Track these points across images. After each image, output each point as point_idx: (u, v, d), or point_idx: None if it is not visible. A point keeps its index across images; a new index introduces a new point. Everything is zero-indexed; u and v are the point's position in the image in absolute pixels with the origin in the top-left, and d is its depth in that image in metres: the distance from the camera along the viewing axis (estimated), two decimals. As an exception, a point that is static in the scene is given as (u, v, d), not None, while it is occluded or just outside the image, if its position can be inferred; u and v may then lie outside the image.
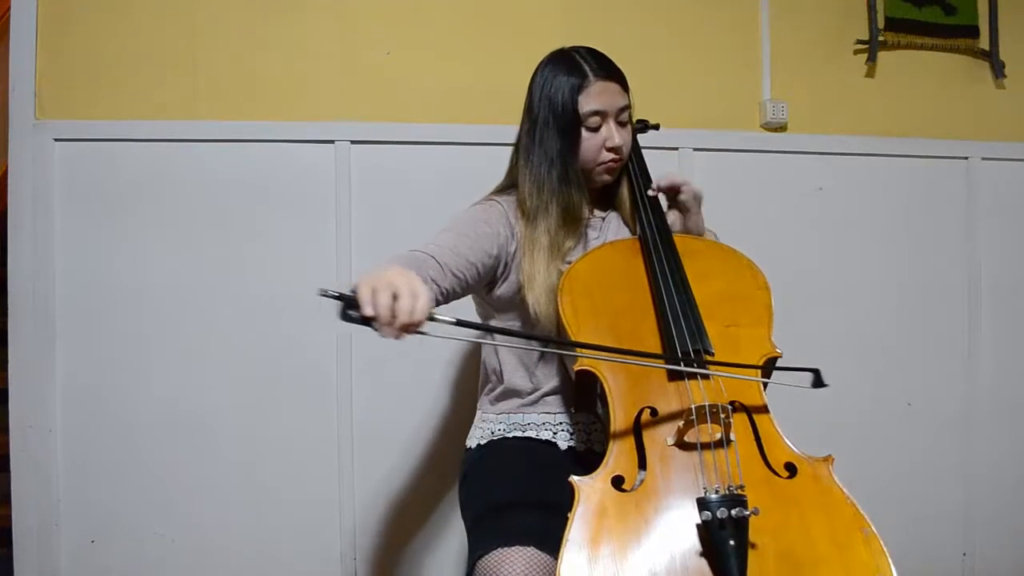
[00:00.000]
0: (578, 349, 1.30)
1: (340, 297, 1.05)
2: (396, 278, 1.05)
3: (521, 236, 1.47)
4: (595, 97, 1.45)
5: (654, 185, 1.52)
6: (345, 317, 1.05)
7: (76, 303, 1.95)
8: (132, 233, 1.98)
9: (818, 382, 1.24)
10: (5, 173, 2.01)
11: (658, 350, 1.30)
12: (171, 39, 2.01)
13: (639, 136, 1.67)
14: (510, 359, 1.52)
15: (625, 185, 1.57)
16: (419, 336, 1.09)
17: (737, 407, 1.24)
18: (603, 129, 1.47)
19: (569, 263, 1.44)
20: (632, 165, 1.57)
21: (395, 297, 1.04)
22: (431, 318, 1.05)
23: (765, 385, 1.33)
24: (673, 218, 1.54)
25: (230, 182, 2.01)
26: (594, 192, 1.56)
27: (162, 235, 1.99)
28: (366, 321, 1.04)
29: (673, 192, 1.53)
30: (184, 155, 2.00)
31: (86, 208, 1.96)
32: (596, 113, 1.45)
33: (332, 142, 2.04)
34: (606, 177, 1.52)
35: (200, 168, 2.00)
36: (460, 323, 1.07)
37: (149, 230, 1.98)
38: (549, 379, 1.50)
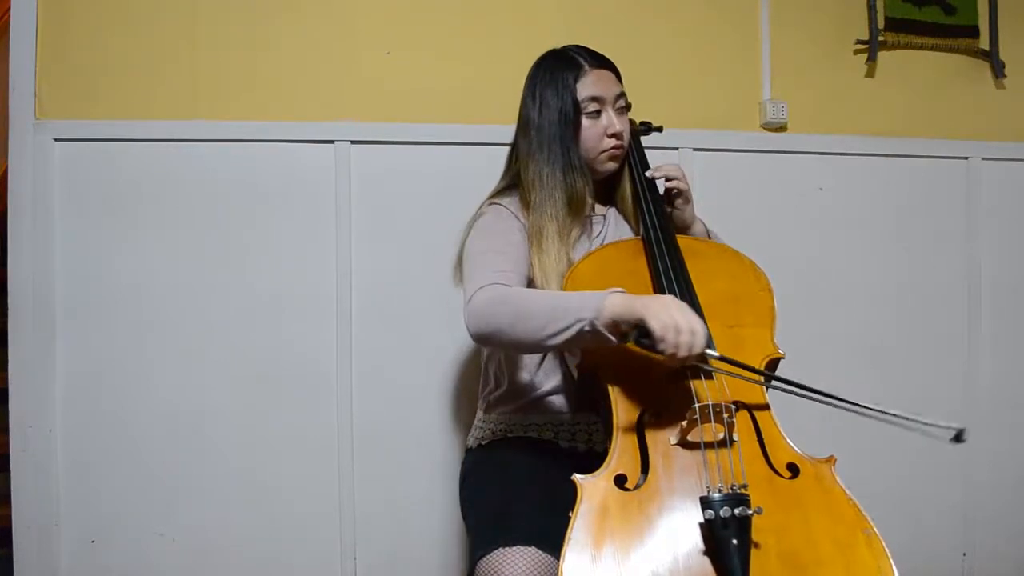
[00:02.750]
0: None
1: (636, 327, 1.17)
2: (679, 315, 1.15)
3: (529, 229, 1.48)
4: (592, 85, 1.48)
5: (651, 172, 1.57)
6: (639, 344, 1.17)
7: (76, 303, 1.95)
8: (132, 233, 1.97)
9: (958, 438, 1.22)
10: (5, 173, 2.01)
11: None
12: (171, 39, 2.00)
13: (643, 138, 1.67)
14: (512, 359, 1.52)
15: (627, 184, 1.58)
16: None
17: (740, 407, 1.25)
18: (603, 116, 1.49)
19: (572, 263, 1.44)
20: (635, 165, 1.57)
21: (678, 332, 1.14)
22: (704, 353, 1.17)
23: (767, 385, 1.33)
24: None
25: (230, 182, 2.01)
26: (596, 186, 1.56)
27: (162, 235, 1.98)
28: (653, 349, 1.16)
29: (667, 183, 1.59)
30: (184, 155, 1.99)
31: (86, 208, 1.96)
32: (594, 99, 1.48)
33: (332, 142, 2.03)
34: (611, 164, 1.53)
35: (200, 168, 2.00)
36: (723, 359, 1.20)
37: (149, 230, 1.98)
38: (551, 379, 1.50)
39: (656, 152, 1.82)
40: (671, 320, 1.13)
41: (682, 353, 1.14)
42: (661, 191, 1.58)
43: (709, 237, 1.63)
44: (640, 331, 1.16)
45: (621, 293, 1.22)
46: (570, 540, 1.09)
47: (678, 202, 1.58)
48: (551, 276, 1.42)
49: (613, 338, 1.20)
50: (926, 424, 1.18)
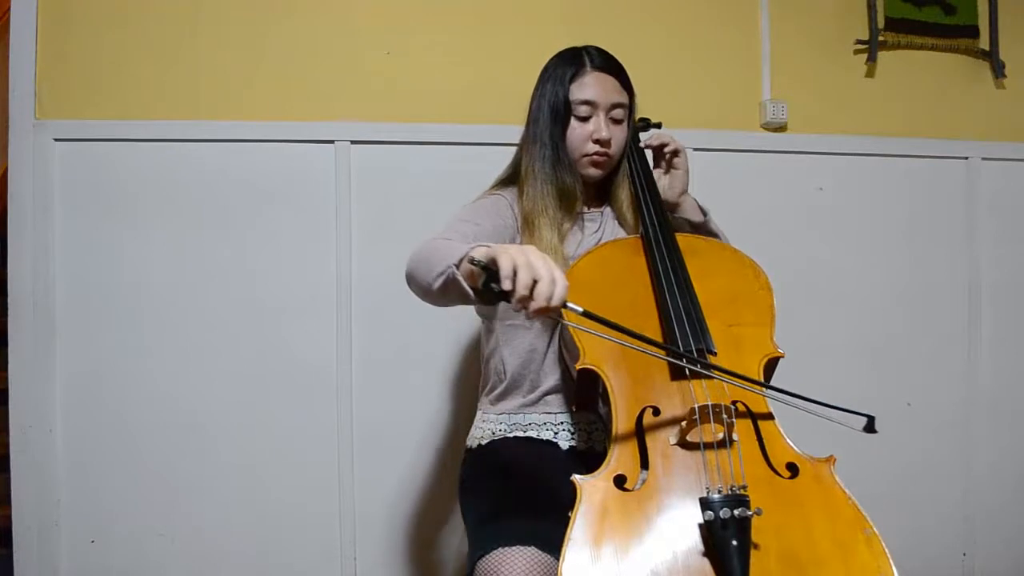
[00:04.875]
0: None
1: (484, 268, 1.06)
2: (538, 261, 1.05)
3: (521, 220, 1.49)
4: (588, 87, 1.48)
5: (643, 144, 1.61)
6: (485, 288, 1.07)
7: (76, 303, 1.95)
8: (132, 233, 1.97)
9: (870, 427, 1.22)
10: (5, 173, 2.01)
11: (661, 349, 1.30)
12: (172, 39, 2.01)
13: (641, 134, 1.67)
14: (512, 356, 1.52)
15: (625, 184, 1.58)
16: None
17: (739, 407, 1.24)
18: (592, 121, 1.49)
19: (564, 254, 1.45)
20: (634, 164, 1.57)
21: (535, 280, 1.04)
22: (564, 305, 1.06)
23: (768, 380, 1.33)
24: (657, 174, 1.61)
25: (230, 182, 2.01)
26: (592, 186, 1.57)
27: (162, 235, 1.98)
28: (504, 296, 1.05)
29: (659, 150, 1.61)
30: (184, 155, 1.99)
31: (86, 208, 1.96)
32: (586, 103, 1.48)
33: (332, 142, 2.04)
34: (592, 170, 1.53)
35: (200, 168, 2.00)
36: (587, 315, 1.08)
37: (149, 230, 1.98)
38: (549, 377, 1.50)
39: (656, 152, 1.82)
40: (524, 260, 1.04)
41: (537, 303, 1.03)
42: (652, 163, 1.61)
43: (704, 215, 1.63)
44: (489, 275, 1.06)
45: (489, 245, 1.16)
46: (570, 540, 1.08)
47: (677, 160, 1.60)
48: None
49: (470, 291, 1.16)
50: (840, 410, 1.19)
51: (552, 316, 1.09)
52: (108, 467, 1.95)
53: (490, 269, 1.06)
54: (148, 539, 1.96)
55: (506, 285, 1.04)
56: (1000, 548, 2.37)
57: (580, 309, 1.07)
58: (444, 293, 1.20)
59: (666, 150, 1.61)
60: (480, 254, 1.11)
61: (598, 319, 1.11)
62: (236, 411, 2.00)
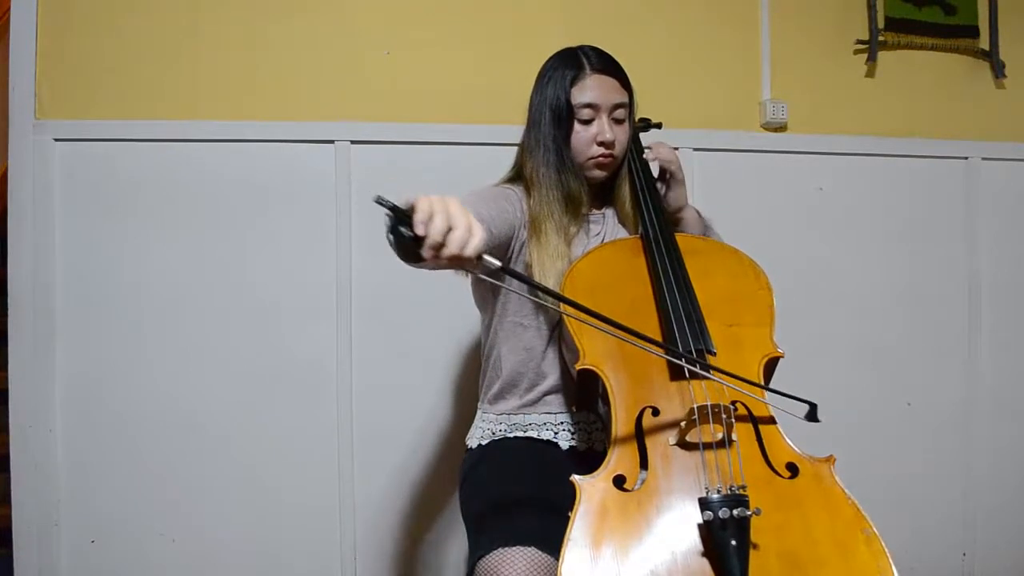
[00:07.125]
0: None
1: (394, 209, 0.99)
2: (455, 209, 1.00)
3: (528, 222, 1.48)
4: (589, 90, 1.47)
5: (648, 156, 1.59)
6: (395, 232, 1.00)
7: (76, 303, 1.95)
8: (132, 233, 1.98)
9: (812, 416, 1.24)
10: (5, 173, 2.01)
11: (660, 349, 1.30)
12: (171, 39, 2.01)
13: (641, 135, 1.67)
14: (509, 354, 1.52)
15: (626, 184, 1.58)
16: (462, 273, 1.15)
17: (739, 407, 1.24)
18: (595, 123, 1.48)
19: (570, 259, 1.45)
20: (634, 164, 1.57)
21: (450, 228, 0.99)
22: (479, 258, 1.01)
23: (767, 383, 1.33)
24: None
25: (230, 182, 2.01)
26: (595, 187, 1.56)
27: (162, 235, 1.99)
28: (415, 241, 0.99)
29: (661, 169, 1.60)
30: (184, 155, 2.00)
31: (86, 208, 1.96)
32: (588, 106, 1.47)
33: (332, 142, 2.04)
34: (597, 172, 1.53)
35: (200, 168, 2.00)
36: (505, 270, 1.03)
37: (149, 230, 1.98)
38: (549, 377, 1.49)
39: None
40: (442, 207, 0.99)
41: (450, 249, 0.98)
42: (656, 173, 1.60)
43: (706, 227, 1.64)
44: (398, 218, 1.00)
45: None
46: (569, 540, 1.08)
47: (671, 181, 1.59)
48: (548, 271, 1.42)
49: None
50: (789, 397, 1.21)
51: (468, 268, 1.03)
52: (108, 467, 1.96)
53: (399, 210, 0.99)
54: (148, 539, 1.97)
55: (419, 230, 0.99)
56: (1000, 548, 2.37)
57: (497, 263, 1.01)
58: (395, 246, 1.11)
59: (644, 155, 1.59)
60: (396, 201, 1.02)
61: (517, 276, 1.07)
62: (236, 411, 2.00)
